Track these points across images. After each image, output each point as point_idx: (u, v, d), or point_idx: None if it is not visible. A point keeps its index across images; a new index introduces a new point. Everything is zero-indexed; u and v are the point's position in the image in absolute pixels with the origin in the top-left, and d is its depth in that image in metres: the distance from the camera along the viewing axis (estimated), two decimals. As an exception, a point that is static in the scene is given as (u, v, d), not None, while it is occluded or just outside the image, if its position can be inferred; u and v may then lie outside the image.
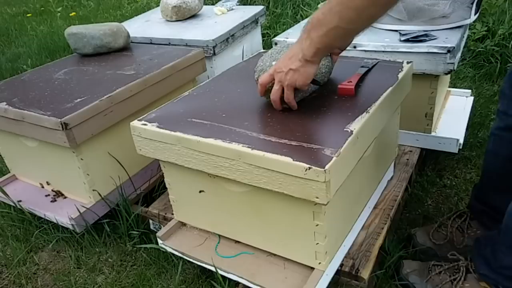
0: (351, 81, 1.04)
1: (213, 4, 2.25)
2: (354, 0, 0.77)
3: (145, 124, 0.99)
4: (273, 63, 1.00)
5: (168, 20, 1.92)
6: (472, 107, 1.63)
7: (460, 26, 1.35)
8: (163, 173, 1.09)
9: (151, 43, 1.71)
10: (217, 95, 1.10)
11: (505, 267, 0.95)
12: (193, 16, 1.94)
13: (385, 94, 1.01)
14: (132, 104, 1.28)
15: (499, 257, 0.96)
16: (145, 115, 1.04)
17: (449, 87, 1.75)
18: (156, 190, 1.40)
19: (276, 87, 0.94)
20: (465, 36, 1.49)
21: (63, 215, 1.26)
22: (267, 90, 0.97)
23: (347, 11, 0.78)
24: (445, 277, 1.03)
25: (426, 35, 1.31)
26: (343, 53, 1.36)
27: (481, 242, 1.04)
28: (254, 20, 1.88)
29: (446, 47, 1.24)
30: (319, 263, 0.95)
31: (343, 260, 1.02)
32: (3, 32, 3.75)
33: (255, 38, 1.96)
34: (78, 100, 1.20)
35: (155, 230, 1.29)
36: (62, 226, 1.30)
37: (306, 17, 2.69)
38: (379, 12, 0.79)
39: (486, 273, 0.99)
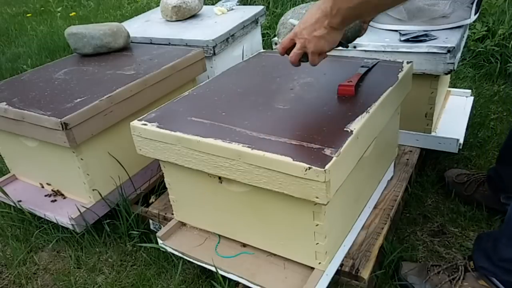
0: (351, 81, 1.04)
1: (213, 4, 2.25)
2: None
3: (145, 124, 0.99)
4: (295, 20, 0.97)
5: (168, 20, 1.92)
6: (472, 107, 1.63)
7: (460, 26, 1.35)
8: (163, 173, 1.09)
9: (151, 43, 1.71)
10: (217, 95, 1.10)
11: (504, 260, 0.96)
12: (193, 16, 1.94)
13: (385, 94, 1.01)
14: (132, 104, 1.28)
15: (499, 249, 0.97)
16: (145, 115, 1.04)
17: (449, 87, 1.75)
18: (156, 190, 1.40)
19: (297, 51, 0.92)
20: (465, 36, 1.49)
21: (63, 215, 1.26)
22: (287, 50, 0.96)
23: None
24: (444, 277, 1.03)
25: (426, 35, 1.31)
26: (343, 53, 1.36)
27: (482, 238, 1.04)
28: (254, 20, 1.88)
29: (446, 47, 1.24)
30: (319, 263, 0.95)
31: (343, 260, 1.02)
32: (3, 32, 3.75)
33: (255, 38, 1.96)
34: (78, 100, 1.20)
35: (155, 230, 1.29)
36: (62, 226, 1.30)
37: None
38: None
39: (485, 266, 0.99)
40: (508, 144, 1.22)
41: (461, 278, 1.01)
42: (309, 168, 0.78)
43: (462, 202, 1.35)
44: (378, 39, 1.36)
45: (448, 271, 1.04)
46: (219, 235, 1.11)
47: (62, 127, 1.11)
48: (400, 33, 1.37)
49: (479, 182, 1.32)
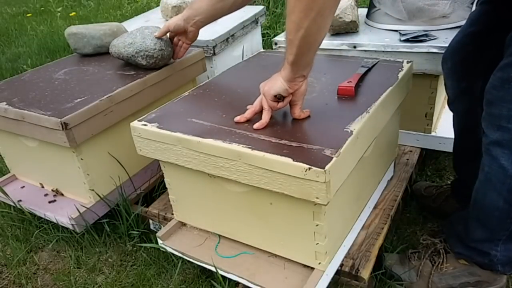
0: (351, 81, 1.04)
1: (213, 4, 2.24)
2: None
3: (145, 125, 0.99)
4: None
5: (168, 20, 1.91)
6: (472, 107, 1.63)
7: (460, 26, 1.34)
8: (163, 173, 1.09)
9: (151, 43, 1.71)
10: (217, 95, 1.10)
11: (476, 241, 0.98)
12: (193, 16, 1.94)
13: (385, 94, 1.01)
14: (132, 104, 1.28)
15: (470, 232, 0.99)
16: (145, 116, 1.04)
17: (449, 87, 1.75)
18: (156, 190, 1.40)
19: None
20: (465, 36, 1.49)
21: (63, 215, 1.26)
22: None
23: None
24: (427, 263, 1.05)
25: (426, 35, 1.31)
26: (343, 53, 1.36)
27: (453, 222, 1.06)
28: (254, 20, 1.88)
29: (446, 47, 1.24)
30: (319, 263, 0.95)
31: (343, 260, 1.02)
32: (3, 32, 3.75)
33: (255, 38, 1.96)
34: (78, 100, 1.20)
35: (155, 230, 1.29)
36: (62, 226, 1.30)
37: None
38: None
39: (460, 251, 1.02)
40: (458, 143, 1.20)
41: (444, 261, 1.03)
42: (309, 168, 0.78)
43: (431, 215, 1.31)
44: (378, 39, 1.36)
45: (429, 256, 1.06)
46: (219, 235, 1.11)
47: (62, 127, 1.11)
48: (400, 33, 1.37)
49: (447, 194, 1.28)
